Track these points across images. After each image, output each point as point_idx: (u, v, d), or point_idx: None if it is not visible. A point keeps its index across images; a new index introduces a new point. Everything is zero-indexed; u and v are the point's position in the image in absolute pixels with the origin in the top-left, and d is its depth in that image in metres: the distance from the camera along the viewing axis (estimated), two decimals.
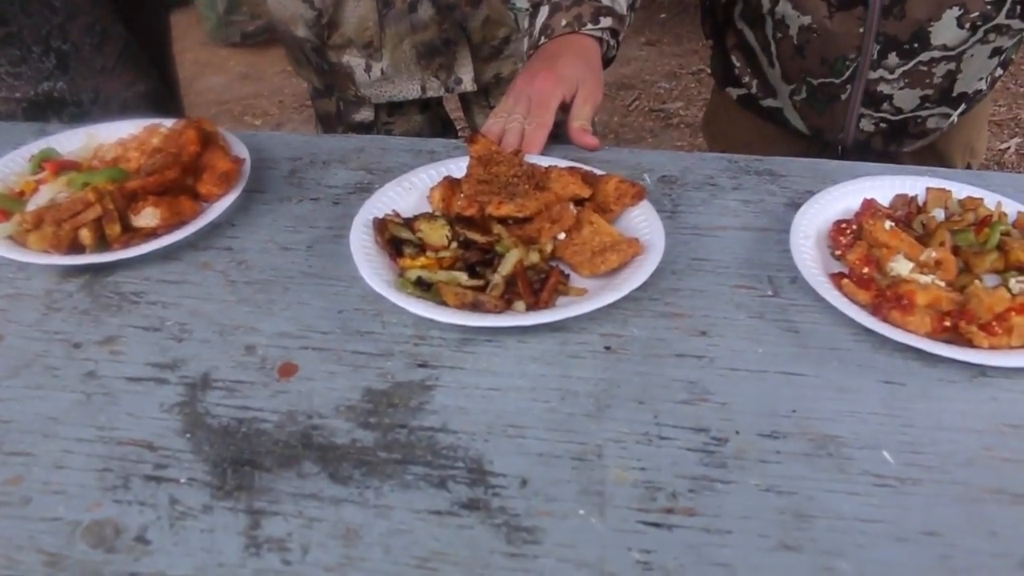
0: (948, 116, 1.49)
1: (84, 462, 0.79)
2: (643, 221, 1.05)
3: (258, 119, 4.04)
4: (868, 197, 1.08)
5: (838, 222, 1.05)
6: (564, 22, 1.27)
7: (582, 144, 1.20)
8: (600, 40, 1.29)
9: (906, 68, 1.39)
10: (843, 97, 1.45)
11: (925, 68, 1.39)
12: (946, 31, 1.33)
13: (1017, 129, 3.73)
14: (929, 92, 1.43)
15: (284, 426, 0.83)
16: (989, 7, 1.30)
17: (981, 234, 1.01)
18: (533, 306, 0.93)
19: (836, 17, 1.36)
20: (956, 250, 1.00)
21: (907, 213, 1.08)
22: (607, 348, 0.91)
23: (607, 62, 1.31)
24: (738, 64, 1.58)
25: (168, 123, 1.19)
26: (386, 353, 0.91)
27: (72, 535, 0.73)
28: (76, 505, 0.75)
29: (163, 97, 1.72)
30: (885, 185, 1.12)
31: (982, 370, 0.88)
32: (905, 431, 0.82)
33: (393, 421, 0.83)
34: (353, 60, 1.60)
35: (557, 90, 1.21)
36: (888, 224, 1.02)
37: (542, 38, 1.29)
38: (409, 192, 1.11)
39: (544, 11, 1.30)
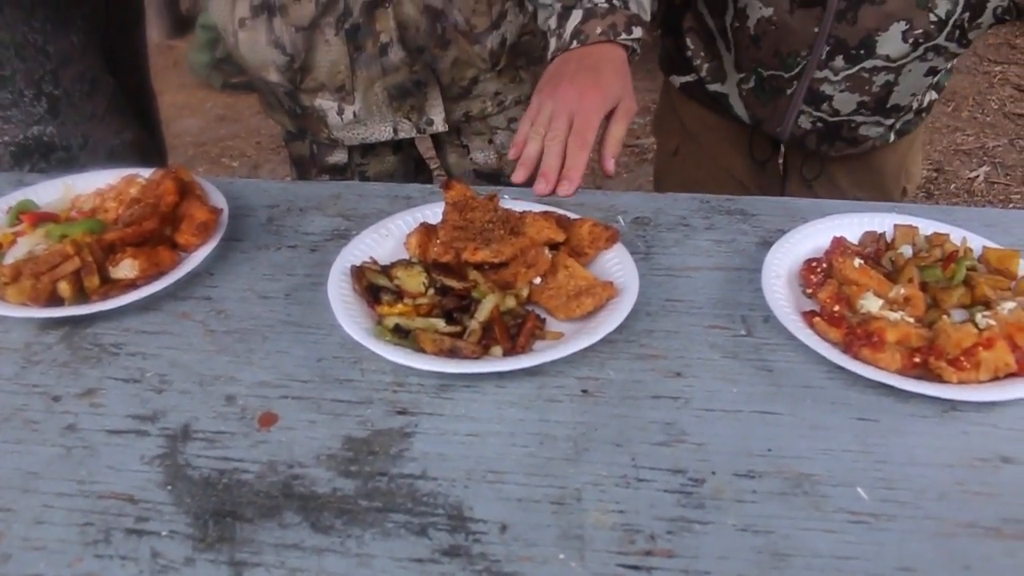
0: (880, 125, 1.56)
1: (65, 517, 0.79)
2: (617, 264, 1.06)
3: (235, 160, 4.05)
4: (837, 235, 1.10)
5: (808, 260, 1.07)
6: (599, 30, 1.30)
7: (603, 167, 1.26)
8: (628, 48, 1.32)
9: (850, 72, 1.45)
10: (788, 92, 1.51)
11: (867, 75, 1.46)
12: (891, 42, 1.40)
13: (985, 158, 3.79)
14: (866, 99, 1.50)
15: (265, 476, 0.83)
16: (932, 26, 1.37)
17: (948, 270, 1.03)
18: (510, 351, 0.94)
19: (796, 13, 1.41)
20: (924, 286, 1.02)
21: (876, 250, 1.10)
22: (584, 391, 0.92)
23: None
24: (691, 47, 1.63)
25: (146, 173, 1.20)
26: (365, 401, 0.91)
27: None
28: (57, 561, 0.75)
29: (148, 145, 1.74)
30: (854, 223, 1.14)
31: (952, 405, 0.90)
32: (878, 467, 0.83)
33: (373, 469, 0.84)
34: (325, 103, 1.62)
35: (603, 108, 1.25)
36: (857, 262, 1.04)
37: (574, 42, 1.31)
38: (386, 239, 1.12)
39: (577, 15, 1.32)
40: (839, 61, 1.44)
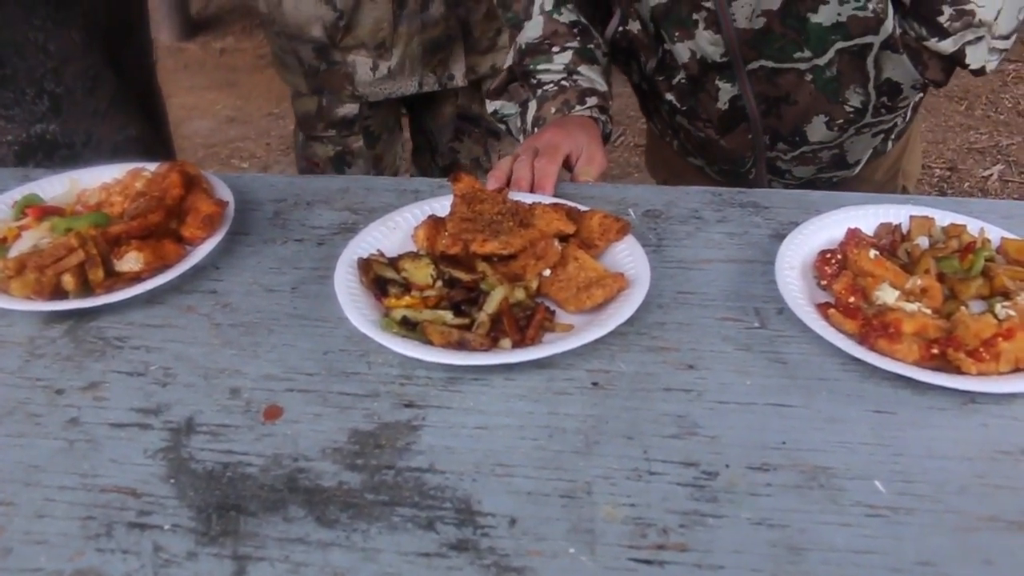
0: (855, 167, 1.54)
1: (66, 510, 0.78)
2: (628, 256, 1.05)
3: (245, 162, 4.05)
4: (852, 227, 1.08)
5: (823, 252, 1.05)
6: (554, 110, 1.32)
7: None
8: (592, 119, 1.33)
9: (795, 154, 1.46)
10: (751, 177, 1.52)
11: (811, 155, 1.46)
12: (818, 131, 1.40)
13: (999, 156, 3.76)
14: (823, 166, 1.50)
15: (269, 470, 0.82)
16: (852, 114, 1.36)
17: (965, 261, 1.01)
18: (519, 343, 0.93)
19: (726, 137, 1.43)
20: (941, 277, 1.00)
21: (891, 242, 1.08)
22: (595, 384, 0.91)
23: (605, 138, 1.35)
24: (659, 127, 1.63)
25: (151, 167, 1.19)
26: (372, 394, 0.90)
27: None
28: (58, 555, 0.74)
29: (153, 141, 1.73)
30: (869, 214, 1.12)
31: (972, 397, 0.88)
32: (896, 460, 0.82)
33: (380, 462, 0.82)
34: (360, 59, 1.65)
35: (565, 143, 1.24)
36: (873, 253, 1.02)
37: (535, 129, 1.33)
38: (393, 232, 1.11)
39: (532, 106, 1.35)
40: (781, 145, 1.45)
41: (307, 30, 1.63)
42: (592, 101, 1.34)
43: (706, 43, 1.30)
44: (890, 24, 1.22)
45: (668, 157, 1.70)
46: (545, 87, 1.35)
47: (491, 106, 1.43)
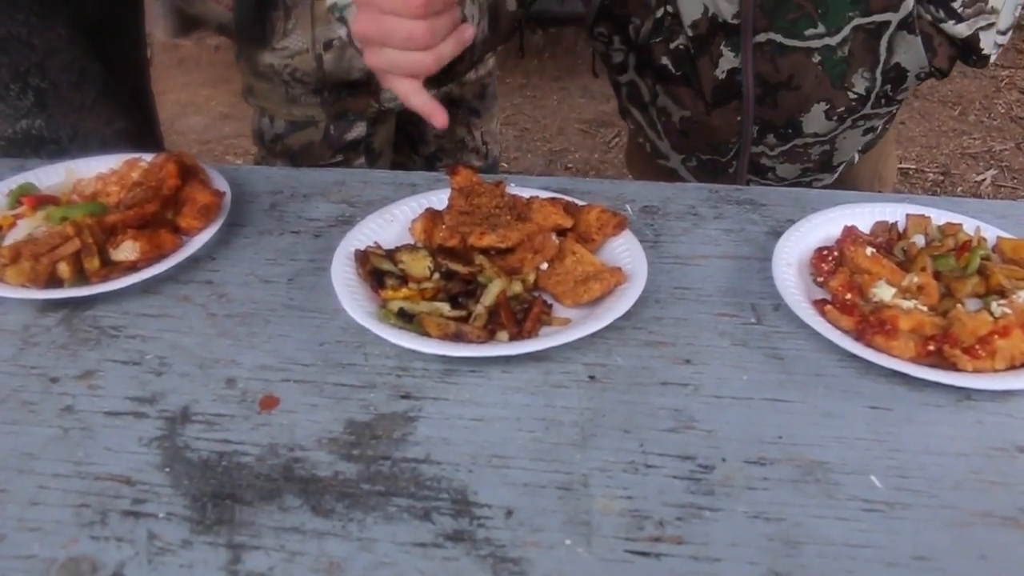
0: (834, 175, 1.54)
1: (60, 498, 0.78)
2: (625, 251, 1.05)
3: (239, 158, 4.04)
4: (849, 224, 1.08)
5: (820, 249, 1.05)
6: None
7: None
8: None
9: (784, 148, 1.44)
10: (730, 171, 1.50)
11: (801, 149, 1.44)
12: (816, 122, 1.38)
13: (992, 161, 3.77)
14: (808, 166, 1.48)
15: (265, 459, 0.81)
16: (854, 102, 1.35)
17: (962, 259, 1.02)
18: (516, 336, 0.93)
19: (714, 112, 1.40)
20: (937, 275, 1.00)
21: (888, 239, 1.08)
22: (591, 377, 0.91)
23: None
24: (632, 127, 1.62)
25: (148, 157, 1.19)
26: (368, 385, 0.90)
27: (47, 573, 0.71)
28: (52, 542, 0.74)
29: (142, 134, 1.71)
30: (865, 212, 1.12)
31: (967, 394, 0.88)
32: (892, 456, 0.82)
33: (376, 453, 0.82)
34: None
35: None
36: (869, 250, 1.02)
37: None
38: (391, 224, 1.11)
39: None
40: (771, 139, 1.42)
41: (347, 78, 1.61)
42: None
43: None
44: (911, 1, 1.21)
45: (644, 161, 1.69)
46: None
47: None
